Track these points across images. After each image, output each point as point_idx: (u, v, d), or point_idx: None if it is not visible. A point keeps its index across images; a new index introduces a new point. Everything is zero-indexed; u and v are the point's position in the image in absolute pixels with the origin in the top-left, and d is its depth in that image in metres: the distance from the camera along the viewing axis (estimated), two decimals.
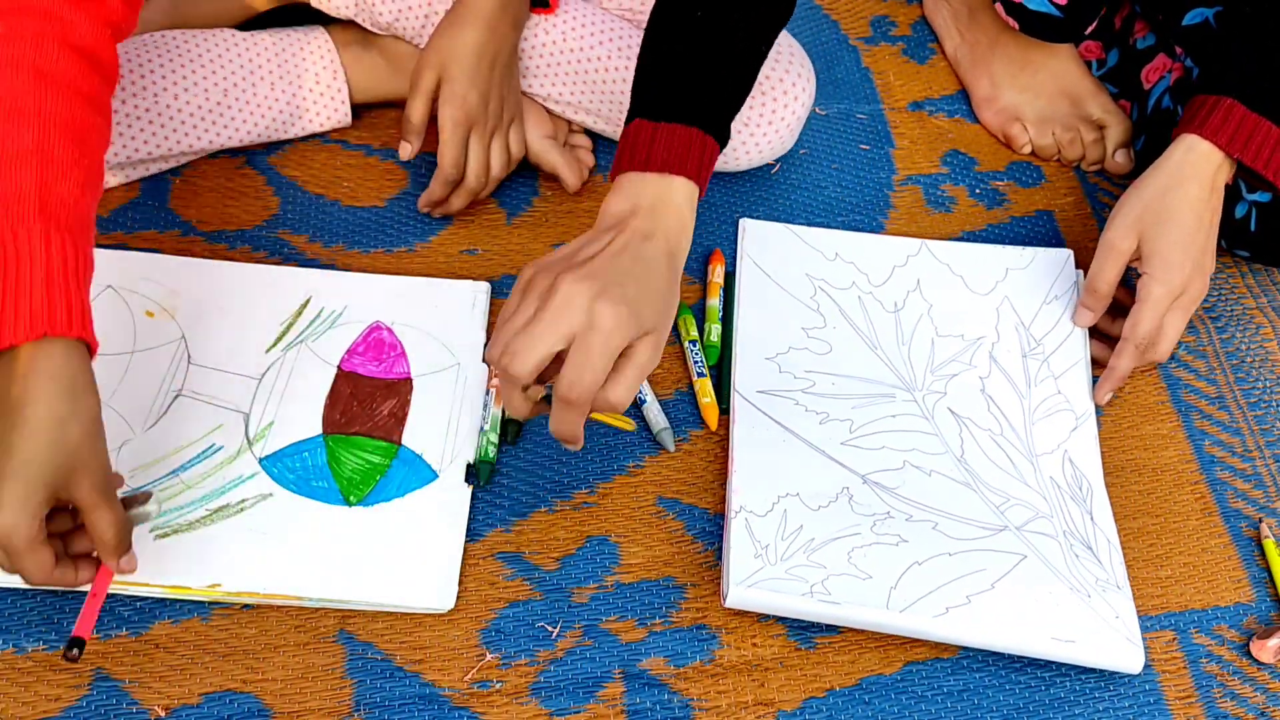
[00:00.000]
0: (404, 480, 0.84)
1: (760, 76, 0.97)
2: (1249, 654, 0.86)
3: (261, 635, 0.78)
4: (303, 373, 0.88)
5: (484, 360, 0.86)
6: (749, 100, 0.97)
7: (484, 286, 0.95)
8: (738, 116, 0.88)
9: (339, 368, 0.89)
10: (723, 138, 0.81)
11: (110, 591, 0.76)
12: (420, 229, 1.00)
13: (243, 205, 0.99)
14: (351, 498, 0.83)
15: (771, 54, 0.98)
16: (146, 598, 0.78)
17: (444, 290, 0.94)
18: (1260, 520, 0.93)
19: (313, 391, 0.88)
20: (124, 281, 0.91)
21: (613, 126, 1.04)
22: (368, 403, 0.88)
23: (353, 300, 0.93)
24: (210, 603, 0.78)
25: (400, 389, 0.89)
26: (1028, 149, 1.15)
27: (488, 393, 0.89)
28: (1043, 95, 1.15)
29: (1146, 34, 1.14)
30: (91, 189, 0.73)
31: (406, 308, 0.93)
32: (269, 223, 0.99)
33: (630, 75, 0.97)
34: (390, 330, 0.92)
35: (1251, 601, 0.89)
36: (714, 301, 0.98)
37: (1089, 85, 1.15)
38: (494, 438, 0.87)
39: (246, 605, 0.78)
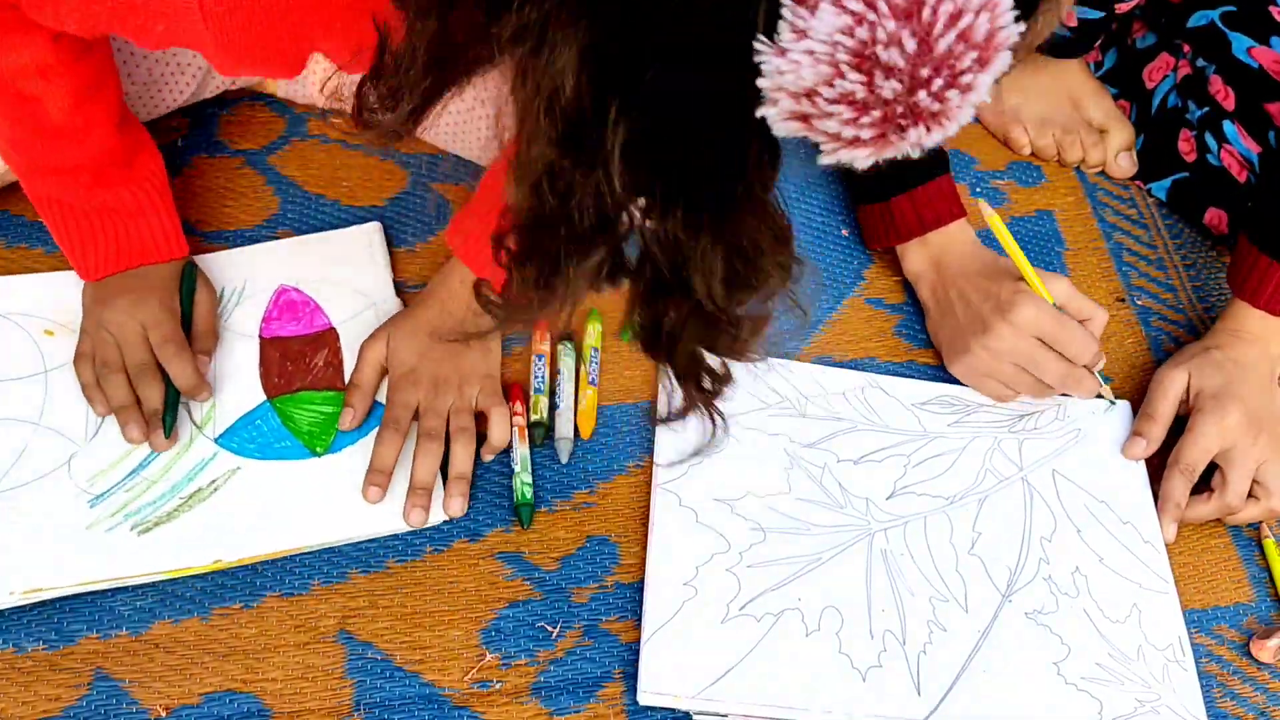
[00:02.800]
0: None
1: None
2: (1249, 654, 0.86)
3: (261, 635, 0.78)
4: (227, 351, 0.89)
5: None
6: None
7: (375, 226, 0.97)
8: None
9: (261, 337, 0.90)
10: None
11: (111, 587, 0.77)
12: (421, 228, 1.00)
13: (242, 205, 0.99)
14: (318, 448, 0.85)
15: None
16: (146, 597, 0.78)
17: (336, 240, 0.96)
18: (1260, 520, 0.93)
19: (242, 365, 0.89)
20: (13, 307, 0.89)
21: None
22: (299, 360, 0.89)
23: (251, 273, 0.94)
24: (210, 603, 0.78)
25: (327, 339, 0.91)
26: (1027, 150, 1.15)
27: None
28: (1044, 97, 1.15)
29: (1145, 33, 1.14)
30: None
31: (306, 265, 0.94)
32: (269, 222, 0.98)
33: None
34: (298, 290, 0.93)
35: (1251, 601, 0.89)
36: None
37: (1091, 87, 1.15)
38: (526, 478, 0.85)
39: (249, 597, 0.78)
